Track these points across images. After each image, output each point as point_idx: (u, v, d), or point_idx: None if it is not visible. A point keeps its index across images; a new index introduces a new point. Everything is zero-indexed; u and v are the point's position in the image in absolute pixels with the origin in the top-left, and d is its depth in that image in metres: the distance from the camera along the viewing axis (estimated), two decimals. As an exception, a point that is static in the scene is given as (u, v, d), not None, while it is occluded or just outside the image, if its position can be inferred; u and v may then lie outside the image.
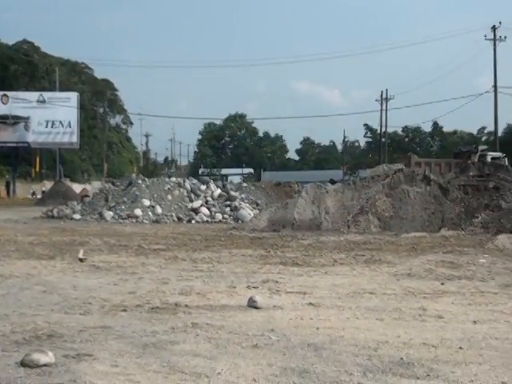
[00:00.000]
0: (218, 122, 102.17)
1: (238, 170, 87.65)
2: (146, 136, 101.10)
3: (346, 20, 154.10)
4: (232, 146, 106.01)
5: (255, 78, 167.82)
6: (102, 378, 4.65)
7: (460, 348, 5.80)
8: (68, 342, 5.79)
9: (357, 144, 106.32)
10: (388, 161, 44.95)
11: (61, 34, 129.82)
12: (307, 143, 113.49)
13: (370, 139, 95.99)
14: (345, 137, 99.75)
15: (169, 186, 31.47)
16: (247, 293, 8.67)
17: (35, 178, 63.83)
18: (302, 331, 6.45)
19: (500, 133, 60.89)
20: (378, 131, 71.77)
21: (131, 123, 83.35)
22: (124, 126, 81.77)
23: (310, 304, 8.03)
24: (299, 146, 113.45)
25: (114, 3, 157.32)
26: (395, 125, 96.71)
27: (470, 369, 5.10)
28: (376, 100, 66.67)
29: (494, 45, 50.11)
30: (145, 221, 28.35)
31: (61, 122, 57.87)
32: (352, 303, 8.17)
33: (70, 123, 57.78)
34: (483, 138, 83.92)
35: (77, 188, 46.55)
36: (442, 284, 9.96)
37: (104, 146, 64.70)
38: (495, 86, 49.52)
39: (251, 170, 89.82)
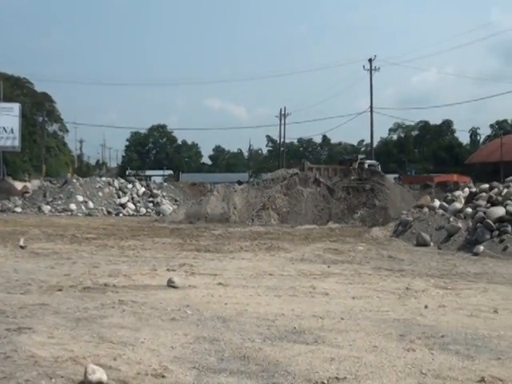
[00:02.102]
0: (143, 131, 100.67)
1: (160, 172, 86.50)
2: (80, 142, 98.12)
3: (251, 47, 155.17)
4: (155, 151, 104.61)
5: (175, 95, 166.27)
6: (40, 348, 4.52)
7: (342, 319, 5.94)
8: (10, 318, 5.59)
9: (260, 152, 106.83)
10: (286, 166, 45.31)
11: (6, 53, 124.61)
12: (219, 150, 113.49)
13: (271, 148, 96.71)
14: (250, 146, 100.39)
15: (100, 185, 31.04)
16: (167, 274, 8.61)
17: (-20, 177, 60.96)
18: (212, 306, 6.45)
19: (375, 144, 62.76)
20: (278, 141, 72.35)
21: (67, 130, 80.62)
22: (60, 133, 78.95)
23: (220, 284, 8.05)
24: (212, 153, 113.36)
25: (52, 27, 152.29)
26: (292, 136, 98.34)
27: (349, 335, 5.23)
28: (276, 116, 66.95)
29: (371, 74, 51.48)
30: (79, 214, 27.74)
31: (4, 129, 55.93)
32: (255, 283, 8.24)
33: (12, 130, 55.89)
34: (362, 149, 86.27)
35: (18, 185, 44.76)
36: (329, 267, 10.19)
37: (43, 149, 62.50)
38: (371, 107, 50.94)
39: (171, 172, 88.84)
